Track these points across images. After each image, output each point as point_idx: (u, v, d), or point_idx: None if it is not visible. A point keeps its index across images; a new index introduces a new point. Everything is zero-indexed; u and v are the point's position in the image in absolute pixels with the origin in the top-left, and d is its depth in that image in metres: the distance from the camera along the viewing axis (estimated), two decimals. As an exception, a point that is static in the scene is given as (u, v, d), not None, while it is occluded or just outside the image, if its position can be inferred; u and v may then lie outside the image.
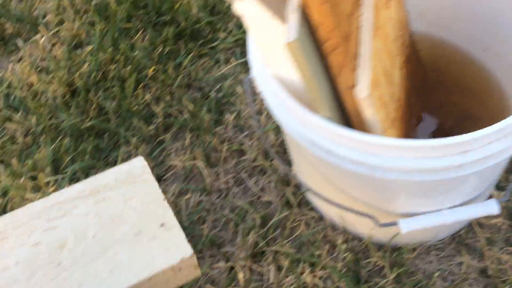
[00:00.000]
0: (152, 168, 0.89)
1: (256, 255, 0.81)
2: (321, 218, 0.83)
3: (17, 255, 0.47)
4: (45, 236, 0.48)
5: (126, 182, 0.53)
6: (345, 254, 0.78)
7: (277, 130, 0.92)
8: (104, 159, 0.92)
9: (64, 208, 0.50)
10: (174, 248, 0.50)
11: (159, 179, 0.89)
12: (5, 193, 0.88)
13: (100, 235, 0.49)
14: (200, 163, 0.89)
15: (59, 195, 0.51)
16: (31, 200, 0.85)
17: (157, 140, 0.95)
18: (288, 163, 0.89)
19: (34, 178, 0.90)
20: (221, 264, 0.80)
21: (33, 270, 0.46)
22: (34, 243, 0.48)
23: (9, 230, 0.49)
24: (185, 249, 0.51)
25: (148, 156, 0.91)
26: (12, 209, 0.86)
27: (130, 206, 0.51)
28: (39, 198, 0.85)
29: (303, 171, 0.78)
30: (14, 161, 0.92)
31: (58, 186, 0.87)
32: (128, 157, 0.91)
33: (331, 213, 0.80)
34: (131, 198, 0.52)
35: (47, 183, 0.88)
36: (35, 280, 0.45)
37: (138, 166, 0.54)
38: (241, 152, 0.92)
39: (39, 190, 0.88)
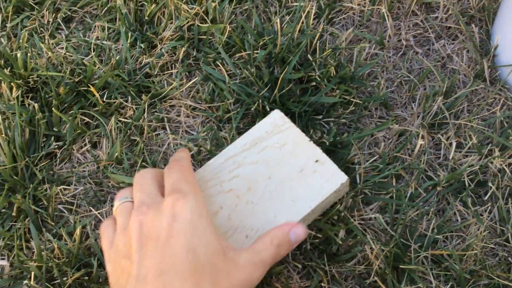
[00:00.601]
0: (324, 8, 0.77)
1: (434, 126, 0.70)
2: (519, 100, 0.70)
3: (218, 201, 0.56)
4: (233, 183, 0.57)
5: (274, 132, 0.60)
6: (548, 146, 0.66)
7: (481, -10, 0.77)
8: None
9: (236, 160, 0.58)
10: (333, 176, 0.57)
11: (329, 21, 0.77)
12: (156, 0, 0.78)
13: (274, 176, 0.57)
14: (383, 10, 0.76)
15: (227, 151, 0.59)
16: (186, 11, 0.75)
17: (330, -23, 0.81)
18: (487, 32, 0.74)
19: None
20: (393, 126, 0.69)
21: (234, 209, 0.55)
22: (228, 190, 0.56)
23: (203, 184, 0.57)
24: (342, 176, 0.58)
25: (317, -6, 0.78)
26: (159, 17, 0.77)
27: (285, 150, 0.59)
28: (191, 12, 0.75)
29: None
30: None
31: (219, 3, 0.77)
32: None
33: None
34: (284, 144, 0.59)
35: (207, -2, 0.77)
36: (239, 216, 0.55)
37: (278, 117, 0.61)
38: (432, 9, 0.77)
39: (195, 2, 0.77)
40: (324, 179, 0.57)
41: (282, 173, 0.57)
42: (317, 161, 0.58)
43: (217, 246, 0.46)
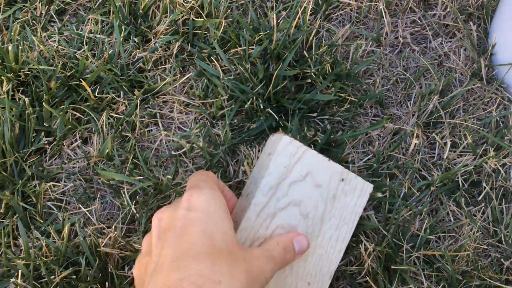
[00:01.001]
0: (321, 3, 0.75)
1: (429, 125, 0.69)
2: (515, 100, 0.70)
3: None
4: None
5: (291, 164, 0.55)
6: (544, 147, 0.65)
7: (480, -12, 0.76)
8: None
9: (269, 212, 0.53)
10: (361, 190, 0.56)
11: (326, 17, 0.76)
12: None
13: (310, 213, 0.54)
14: (381, 7, 0.75)
15: (256, 206, 0.53)
16: (181, 5, 0.74)
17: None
18: (485, 30, 0.73)
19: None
20: (388, 125, 0.68)
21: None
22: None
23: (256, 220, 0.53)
24: (369, 187, 0.56)
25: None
26: (154, 11, 0.75)
27: (309, 182, 0.54)
28: (187, 6, 0.74)
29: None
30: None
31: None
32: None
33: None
34: (307, 174, 0.55)
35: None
36: (294, 268, 0.53)
37: (288, 143, 0.55)
38: (430, 5, 0.76)
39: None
40: (355, 197, 0.55)
41: (317, 208, 0.54)
42: (342, 179, 0.55)
43: (234, 236, 0.47)
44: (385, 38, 0.74)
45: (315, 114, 0.69)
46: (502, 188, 0.66)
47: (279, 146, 0.54)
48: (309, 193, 0.54)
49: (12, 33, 0.74)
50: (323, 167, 0.55)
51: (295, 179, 0.54)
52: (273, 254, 0.49)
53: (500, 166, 0.66)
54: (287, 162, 0.54)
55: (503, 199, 0.66)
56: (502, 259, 0.63)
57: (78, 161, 0.67)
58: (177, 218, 0.45)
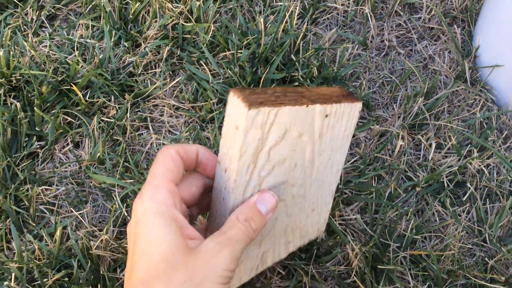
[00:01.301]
0: (309, 7, 0.77)
1: (415, 127, 0.70)
2: (497, 102, 0.71)
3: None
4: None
5: (265, 131, 0.47)
6: (526, 148, 0.67)
7: (464, -9, 0.77)
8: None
9: (255, 183, 0.48)
10: (349, 114, 0.50)
11: (313, 21, 0.77)
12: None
13: (298, 162, 0.50)
14: (366, 10, 0.76)
15: (238, 187, 0.47)
16: (170, 10, 0.75)
17: (314, -24, 0.81)
18: (469, 33, 0.75)
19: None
20: (374, 127, 0.70)
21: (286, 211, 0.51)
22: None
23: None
24: (357, 106, 0.50)
25: (301, -7, 0.78)
26: (144, 16, 0.76)
27: (291, 136, 0.48)
28: (176, 11, 0.74)
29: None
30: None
31: (204, 2, 0.76)
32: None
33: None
34: (285, 132, 0.47)
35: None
36: (294, 209, 0.51)
37: (254, 116, 0.45)
38: (415, 9, 0.78)
39: (180, 1, 0.77)
40: (343, 123, 0.50)
41: (304, 153, 0.49)
42: (326, 116, 0.49)
43: (175, 240, 0.44)
44: (371, 42, 0.76)
45: (303, 117, 0.70)
46: (486, 189, 0.67)
47: (246, 121, 0.44)
48: (292, 146, 0.48)
49: (3, 39, 0.74)
50: (302, 115, 0.47)
51: (273, 143, 0.47)
52: (229, 236, 0.46)
53: (484, 166, 0.67)
54: (260, 134, 0.46)
55: (487, 199, 0.67)
56: (486, 258, 0.64)
57: (69, 165, 0.68)
58: (130, 235, 0.45)
